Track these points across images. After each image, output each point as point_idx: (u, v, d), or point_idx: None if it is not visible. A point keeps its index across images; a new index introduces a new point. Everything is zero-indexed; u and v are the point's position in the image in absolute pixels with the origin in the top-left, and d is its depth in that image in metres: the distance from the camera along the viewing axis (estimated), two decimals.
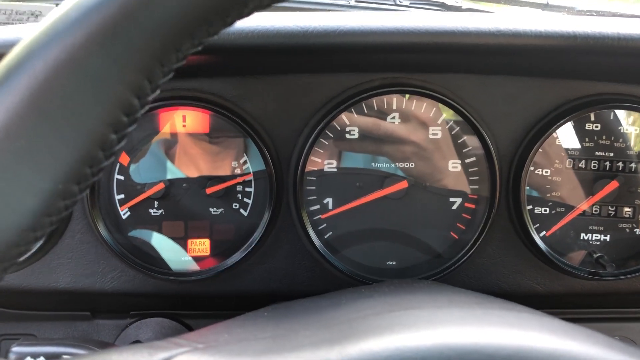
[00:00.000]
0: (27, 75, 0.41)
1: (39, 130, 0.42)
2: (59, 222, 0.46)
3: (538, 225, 1.07)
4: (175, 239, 1.06)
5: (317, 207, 1.07)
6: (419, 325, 0.50)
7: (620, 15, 1.42)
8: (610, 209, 1.08)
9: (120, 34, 0.42)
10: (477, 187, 1.07)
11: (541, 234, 1.07)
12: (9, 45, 0.85)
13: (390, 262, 1.10)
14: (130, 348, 0.53)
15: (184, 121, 1.02)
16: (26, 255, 1.00)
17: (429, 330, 0.48)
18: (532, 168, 1.06)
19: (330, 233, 1.08)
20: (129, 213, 1.04)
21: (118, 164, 1.02)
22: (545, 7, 1.61)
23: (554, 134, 1.04)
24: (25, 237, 0.44)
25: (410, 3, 1.44)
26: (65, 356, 0.73)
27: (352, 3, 1.38)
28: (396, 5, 1.41)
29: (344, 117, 1.04)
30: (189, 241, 1.06)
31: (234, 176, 1.04)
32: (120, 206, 1.03)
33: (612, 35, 0.84)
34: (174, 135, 1.03)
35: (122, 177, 1.03)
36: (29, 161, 0.42)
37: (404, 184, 1.05)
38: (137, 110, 0.46)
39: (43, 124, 0.42)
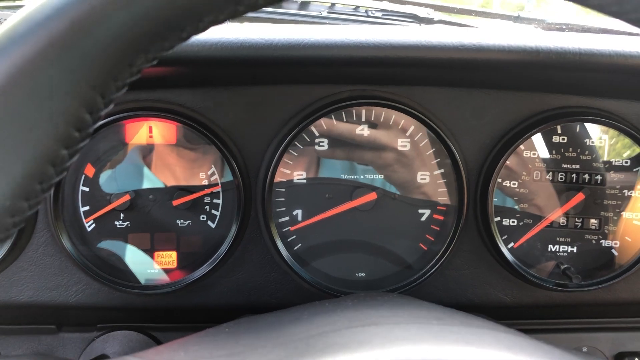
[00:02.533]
0: None
1: None
2: (7, 238, 0.45)
3: (506, 236, 1.08)
4: (142, 251, 1.04)
5: (286, 218, 1.06)
6: (374, 342, 0.50)
7: (589, 29, 1.44)
8: (577, 220, 1.09)
9: (71, 48, 0.41)
10: (445, 198, 1.08)
11: (509, 246, 1.08)
12: None
13: (359, 274, 1.10)
14: None
15: (150, 132, 1.01)
16: None
17: (383, 349, 0.48)
18: (499, 180, 1.06)
19: (300, 245, 1.07)
20: (94, 225, 1.02)
21: (83, 176, 1.01)
22: (517, 19, 1.63)
23: (521, 146, 1.05)
24: None
25: (383, 15, 1.44)
26: None
27: (324, 14, 1.38)
28: (368, 17, 1.41)
29: (313, 128, 1.04)
30: (156, 253, 1.05)
31: (201, 187, 1.03)
32: (85, 218, 1.02)
33: (574, 51, 0.85)
34: (141, 146, 1.02)
35: (87, 189, 1.01)
36: None
37: (372, 196, 1.05)
38: (89, 125, 0.45)
39: None
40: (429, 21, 1.47)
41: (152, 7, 0.42)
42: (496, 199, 1.07)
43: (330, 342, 0.52)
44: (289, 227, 1.06)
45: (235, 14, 0.48)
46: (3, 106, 0.40)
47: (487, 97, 1.03)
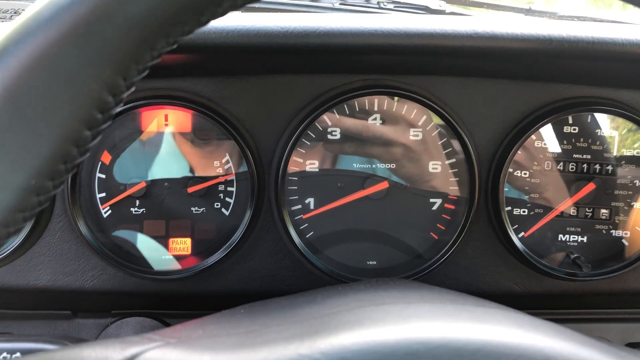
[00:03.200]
0: (1, 71, 0.42)
1: (12, 126, 0.42)
2: (32, 218, 0.46)
3: (517, 226, 1.09)
4: (156, 237, 1.06)
5: (299, 207, 1.07)
6: (387, 320, 0.51)
7: (600, 21, 1.44)
8: (587, 210, 1.09)
9: (94, 33, 0.42)
10: (456, 188, 1.09)
11: (519, 235, 1.09)
12: None
13: (370, 262, 1.11)
14: (102, 342, 0.53)
15: (166, 120, 1.02)
16: (5, 253, 1.00)
17: (397, 325, 0.49)
18: (511, 170, 1.07)
19: (312, 233, 1.09)
20: (110, 211, 1.04)
21: (100, 162, 1.02)
22: (528, 12, 1.63)
23: (532, 136, 1.06)
24: None
25: (394, 6, 1.45)
26: (40, 351, 0.73)
27: (337, 5, 1.39)
28: (380, 8, 1.42)
29: (325, 117, 1.05)
30: (170, 240, 1.06)
31: (215, 176, 1.05)
32: (102, 204, 1.03)
33: (587, 39, 0.85)
34: (156, 134, 1.03)
35: (103, 176, 1.03)
36: (1, 157, 0.42)
37: (384, 185, 1.06)
38: (111, 107, 0.46)
39: (17, 120, 0.42)
40: (440, 13, 1.47)
41: None
42: (507, 189, 1.08)
43: (344, 320, 0.53)
44: (302, 215, 1.07)
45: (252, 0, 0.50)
46: (29, 88, 0.42)
47: (499, 87, 1.04)
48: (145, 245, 1.06)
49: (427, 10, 1.47)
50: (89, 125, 0.45)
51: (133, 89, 0.48)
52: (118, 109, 0.96)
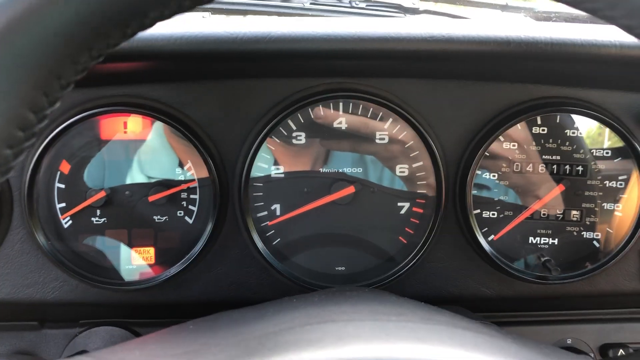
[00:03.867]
0: None
1: None
2: None
3: (486, 229, 1.07)
4: (119, 247, 1.04)
5: (265, 213, 1.05)
6: (324, 340, 0.50)
7: (577, 18, 1.42)
8: (558, 212, 1.08)
9: (8, 47, 0.40)
10: (424, 191, 1.07)
11: (489, 238, 1.07)
12: None
13: (339, 268, 1.09)
14: None
15: (125, 127, 1.00)
16: None
17: (333, 348, 0.48)
18: (478, 172, 1.05)
19: (278, 239, 1.07)
20: (70, 222, 1.02)
21: (59, 172, 1.00)
22: (505, 8, 1.61)
23: (500, 137, 1.04)
24: None
25: (367, 5, 1.43)
26: None
27: (307, 5, 1.37)
28: (352, 8, 1.40)
29: (290, 122, 1.03)
30: (134, 249, 1.04)
31: (178, 183, 1.03)
32: (62, 215, 1.01)
33: (545, 41, 0.83)
34: (116, 142, 1.01)
35: (62, 186, 1.01)
36: None
37: (351, 189, 1.05)
38: (34, 124, 0.44)
39: None
40: (414, 11, 1.45)
41: (93, 3, 0.41)
42: (476, 191, 1.06)
43: (281, 341, 0.51)
44: (267, 222, 1.06)
45: (181, 9, 0.47)
46: None
47: (466, 89, 1.02)
48: (108, 255, 1.04)
49: (400, 9, 1.45)
50: (9, 143, 0.43)
51: (58, 104, 0.46)
52: (74, 118, 0.93)
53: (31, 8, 0.40)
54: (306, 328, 0.55)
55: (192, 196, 1.03)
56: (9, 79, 0.41)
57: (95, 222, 1.02)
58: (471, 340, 0.52)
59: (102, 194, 1.00)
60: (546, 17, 1.52)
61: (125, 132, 1.00)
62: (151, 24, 0.46)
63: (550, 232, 1.08)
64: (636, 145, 1.01)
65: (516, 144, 1.05)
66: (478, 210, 1.07)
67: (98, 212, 1.02)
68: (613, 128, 1.02)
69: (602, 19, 0.48)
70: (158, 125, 1.01)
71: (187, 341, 0.59)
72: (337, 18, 1.17)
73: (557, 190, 1.06)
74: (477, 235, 1.05)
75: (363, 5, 1.42)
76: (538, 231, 1.08)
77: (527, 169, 1.06)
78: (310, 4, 1.39)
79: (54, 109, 0.46)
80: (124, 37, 0.46)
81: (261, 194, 1.04)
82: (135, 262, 1.04)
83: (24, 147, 0.45)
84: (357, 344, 0.48)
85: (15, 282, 1.01)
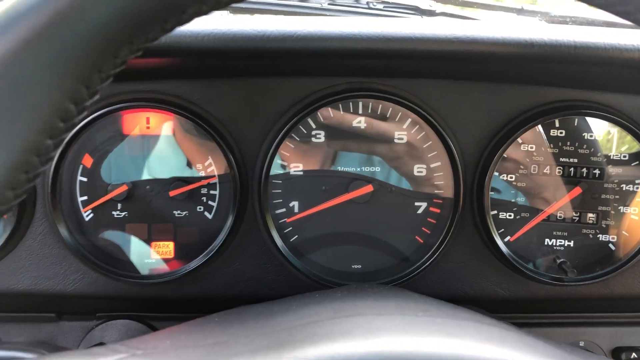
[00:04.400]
0: None
1: None
2: None
3: (503, 230, 1.08)
4: (139, 241, 1.05)
5: (283, 210, 1.06)
6: (355, 333, 0.50)
7: (593, 22, 1.43)
8: (574, 214, 1.08)
9: (53, 41, 0.41)
10: (442, 191, 1.08)
11: (505, 239, 1.08)
12: None
13: (355, 266, 1.10)
14: (67, 354, 0.52)
15: (147, 123, 1.01)
16: None
17: (363, 340, 0.48)
18: (496, 173, 1.06)
19: (296, 237, 1.08)
20: (92, 215, 1.03)
21: (81, 166, 1.02)
22: (520, 11, 1.62)
23: (518, 140, 1.05)
24: None
25: (384, 7, 1.44)
26: None
27: (325, 6, 1.38)
28: (370, 9, 1.41)
29: (309, 120, 1.04)
30: (153, 243, 1.05)
31: (198, 179, 1.04)
32: (83, 208, 1.03)
33: (568, 44, 0.84)
34: (138, 137, 1.02)
35: (85, 179, 1.02)
36: None
37: (368, 188, 1.05)
38: (74, 115, 0.45)
39: None
40: (430, 13, 1.46)
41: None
42: (493, 193, 1.07)
43: (311, 333, 0.52)
44: (286, 219, 1.07)
45: (219, 5, 0.49)
46: None
47: (485, 90, 1.03)
48: (128, 248, 1.05)
49: (417, 10, 1.46)
50: (50, 134, 0.44)
51: (97, 96, 0.47)
52: (98, 113, 0.94)
53: (75, 3, 0.41)
54: (335, 321, 0.55)
55: (212, 192, 1.04)
56: (53, 72, 0.42)
57: (116, 216, 1.03)
58: (499, 336, 0.53)
59: (124, 187, 1.01)
60: (562, 20, 1.53)
61: (147, 128, 1.02)
62: (189, 20, 0.47)
63: (566, 234, 1.09)
64: None
65: (534, 146, 1.06)
66: (495, 211, 1.08)
67: (119, 205, 1.03)
68: (631, 131, 1.02)
69: (633, 22, 0.49)
70: (180, 121, 1.02)
71: (216, 332, 0.60)
72: (355, 18, 1.18)
73: (574, 193, 1.07)
74: (494, 236, 1.06)
75: (380, 6, 1.43)
76: (554, 233, 1.09)
77: (545, 171, 1.07)
78: (328, 4, 1.40)
79: (93, 100, 0.47)
80: (162, 31, 0.47)
81: (280, 191, 1.05)
82: (154, 256, 1.06)
83: (63, 138, 0.46)
84: (388, 336, 0.49)
85: (37, 274, 1.02)
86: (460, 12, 1.58)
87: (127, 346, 0.55)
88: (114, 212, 1.03)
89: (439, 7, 1.49)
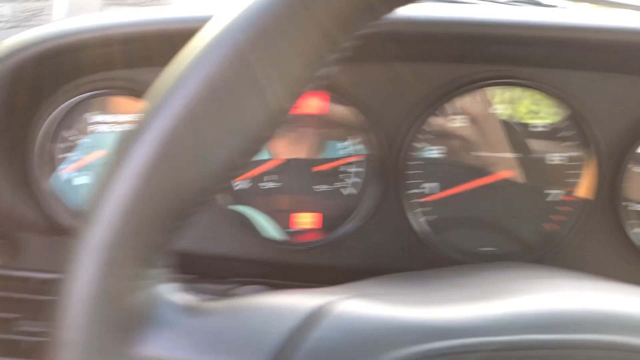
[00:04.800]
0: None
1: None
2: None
3: (634, 221, 1.09)
4: (281, 211, 1.13)
5: (422, 190, 1.11)
6: (542, 292, 0.54)
7: None
8: None
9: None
10: (574, 181, 1.10)
11: (635, 230, 1.09)
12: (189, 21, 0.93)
13: (484, 249, 1.14)
14: (294, 292, 0.58)
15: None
16: None
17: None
18: (629, 166, 1.08)
19: (433, 216, 1.13)
20: (239, 186, 1.12)
21: None
22: None
23: None
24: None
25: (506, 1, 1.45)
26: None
27: None
28: (492, 1, 1.43)
29: (447, 106, 1.08)
30: (294, 215, 1.13)
31: (341, 156, 1.10)
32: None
33: None
34: (292, 116, 1.09)
35: None
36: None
37: (506, 174, 1.09)
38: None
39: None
40: (551, 8, 1.47)
41: None
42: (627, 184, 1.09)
43: (500, 288, 0.56)
44: (424, 199, 1.12)
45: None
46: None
47: (628, 83, 1.04)
48: (272, 218, 1.13)
49: (539, 5, 1.47)
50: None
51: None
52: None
53: None
54: (515, 281, 0.59)
55: (353, 169, 1.11)
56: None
57: (262, 188, 1.11)
58: None
59: (272, 162, 1.09)
60: None
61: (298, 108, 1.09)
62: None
63: None
64: None
65: None
66: (625, 203, 1.09)
67: (265, 178, 1.11)
68: None
69: None
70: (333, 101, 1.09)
71: (415, 285, 0.64)
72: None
73: None
74: (625, 228, 1.07)
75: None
76: None
77: None
78: None
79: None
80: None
81: (420, 171, 1.11)
82: (295, 226, 1.13)
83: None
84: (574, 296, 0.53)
85: (196, 236, 1.11)
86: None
87: (345, 291, 0.59)
88: (260, 184, 1.11)
89: (561, 3, 1.49)
